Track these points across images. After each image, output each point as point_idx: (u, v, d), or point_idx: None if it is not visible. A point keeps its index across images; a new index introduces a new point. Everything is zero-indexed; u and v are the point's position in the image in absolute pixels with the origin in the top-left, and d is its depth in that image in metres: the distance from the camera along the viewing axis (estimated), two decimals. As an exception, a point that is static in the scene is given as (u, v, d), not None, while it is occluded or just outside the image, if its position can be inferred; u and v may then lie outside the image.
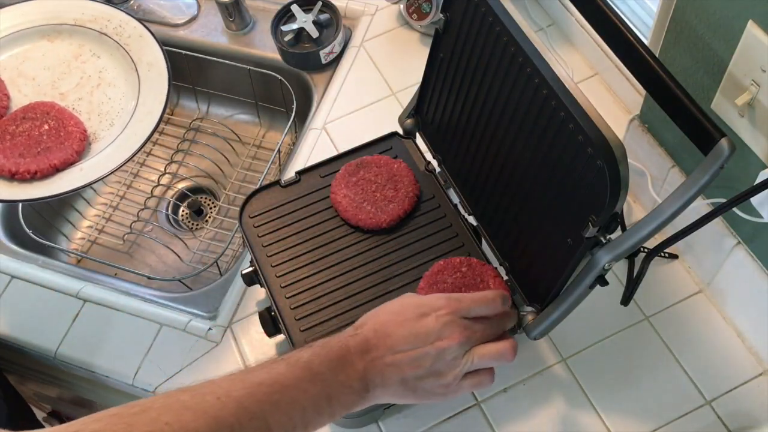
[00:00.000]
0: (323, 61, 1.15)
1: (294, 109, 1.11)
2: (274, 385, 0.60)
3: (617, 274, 0.93)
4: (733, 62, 0.71)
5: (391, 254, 0.85)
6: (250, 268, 0.87)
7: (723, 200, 0.75)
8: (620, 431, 0.84)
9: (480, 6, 0.74)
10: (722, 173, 0.59)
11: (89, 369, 0.93)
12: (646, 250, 0.88)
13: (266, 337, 0.84)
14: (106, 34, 0.94)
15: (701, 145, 0.61)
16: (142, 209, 1.19)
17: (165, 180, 1.23)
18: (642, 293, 0.91)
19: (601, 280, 0.70)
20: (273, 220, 0.87)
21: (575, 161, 0.66)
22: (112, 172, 0.85)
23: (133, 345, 0.93)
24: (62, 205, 1.18)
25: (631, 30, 0.65)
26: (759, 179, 0.72)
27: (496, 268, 0.83)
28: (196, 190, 1.24)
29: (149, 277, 1.04)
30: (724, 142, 0.58)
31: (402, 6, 1.14)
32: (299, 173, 0.91)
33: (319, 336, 0.79)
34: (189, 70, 1.20)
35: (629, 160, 0.63)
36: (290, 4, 1.16)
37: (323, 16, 1.16)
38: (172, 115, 1.29)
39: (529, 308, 0.78)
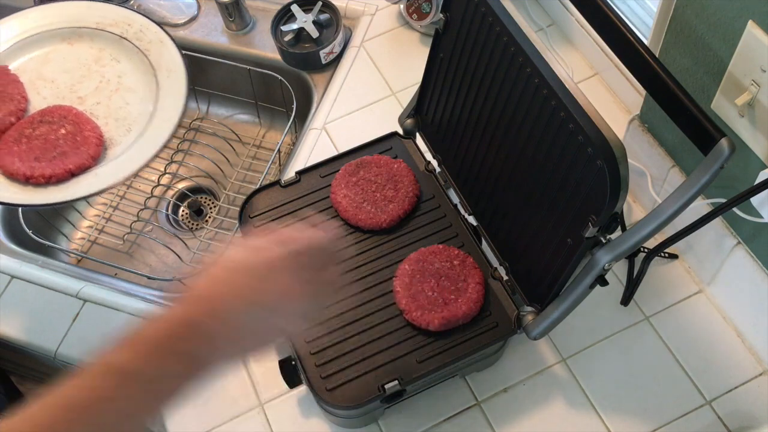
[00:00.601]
0: (323, 61, 1.15)
1: (294, 109, 1.11)
2: (91, 406, 0.54)
3: (617, 274, 0.93)
4: (733, 62, 0.71)
5: (391, 254, 0.85)
6: (250, 268, 0.87)
7: (723, 200, 0.75)
8: (620, 431, 0.84)
9: (480, 6, 0.74)
10: (722, 173, 0.59)
11: (89, 369, 0.93)
12: (646, 250, 0.88)
13: (266, 337, 0.84)
14: (126, 39, 0.93)
15: (701, 145, 0.61)
16: (142, 209, 1.18)
17: (165, 180, 1.23)
18: (642, 293, 0.91)
19: (601, 280, 0.70)
20: (273, 220, 0.87)
21: (575, 161, 0.66)
22: (126, 179, 0.84)
23: (133, 345, 0.93)
24: (62, 206, 1.18)
25: (631, 30, 0.65)
26: (759, 179, 0.72)
27: (495, 269, 0.83)
28: (196, 190, 1.24)
29: (149, 277, 1.04)
30: (724, 142, 0.58)
31: (402, 6, 1.14)
32: (299, 173, 0.91)
33: (319, 335, 0.79)
34: (189, 70, 1.20)
35: (629, 160, 0.63)
36: (290, 4, 1.16)
37: (323, 16, 1.16)
38: (172, 115, 1.29)
39: (529, 308, 0.78)
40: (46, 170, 0.85)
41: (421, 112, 0.91)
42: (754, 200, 0.75)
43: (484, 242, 0.85)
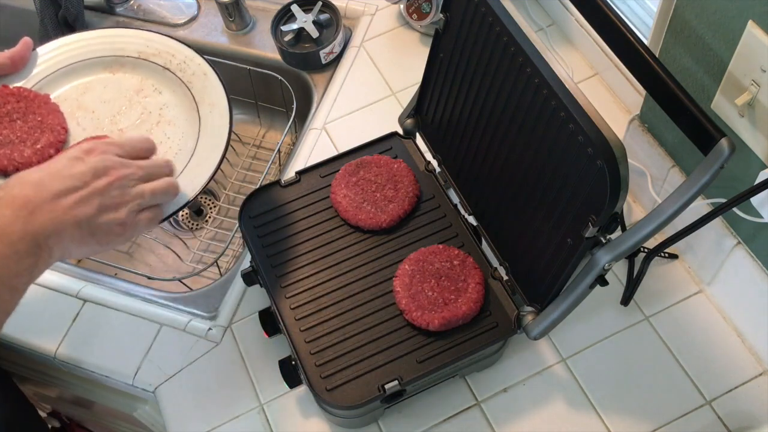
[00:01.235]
0: (323, 61, 1.15)
1: (294, 109, 1.11)
2: None
3: (617, 274, 0.93)
4: (733, 62, 0.71)
5: (391, 254, 0.85)
6: (250, 268, 0.87)
7: (723, 200, 0.75)
8: (620, 431, 0.84)
9: (480, 6, 0.74)
10: (722, 173, 0.59)
11: (89, 369, 0.93)
12: (646, 250, 0.88)
13: (266, 337, 0.84)
14: (169, 69, 0.89)
15: (701, 145, 0.61)
16: (142, 209, 1.18)
17: (165, 180, 1.22)
18: (642, 293, 0.91)
19: (601, 280, 0.70)
20: (273, 220, 0.87)
21: (575, 161, 0.66)
22: (168, 218, 0.79)
23: (133, 345, 0.93)
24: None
25: (631, 30, 0.65)
26: (759, 179, 0.72)
27: (495, 269, 0.83)
28: (196, 190, 1.24)
29: (149, 277, 1.04)
30: (724, 142, 0.58)
31: (402, 6, 1.14)
32: (299, 173, 0.91)
33: (319, 336, 0.79)
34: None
35: (629, 160, 0.63)
36: (290, 4, 1.16)
37: (323, 16, 1.16)
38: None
39: (529, 308, 0.78)
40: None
41: (421, 112, 0.92)
42: (754, 200, 0.75)
43: (484, 242, 0.85)
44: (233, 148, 1.22)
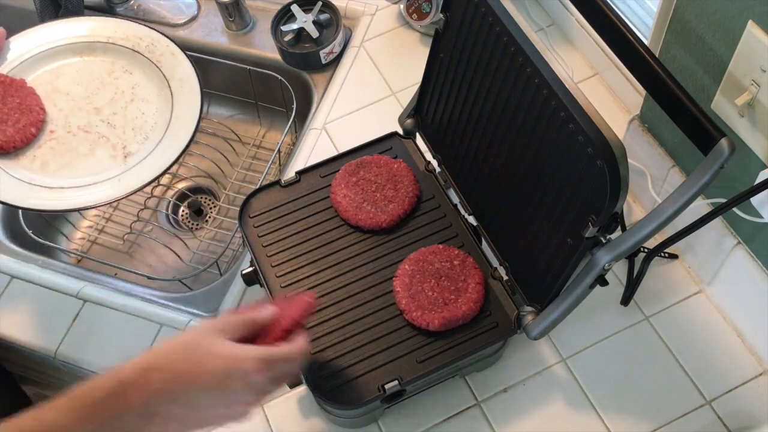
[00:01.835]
0: (323, 61, 1.15)
1: (294, 109, 1.11)
2: None
3: (617, 274, 0.93)
4: (733, 62, 0.71)
5: (391, 254, 0.85)
6: (250, 268, 0.87)
7: (723, 200, 0.75)
8: (620, 431, 0.84)
9: (480, 6, 0.74)
10: (722, 173, 0.59)
11: (89, 369, 0.93)
12: (646, 250, 0.88)
13: (266, 337, 0.84)
14: (138, 52, 0.96)
15: (701, 145, 0.61)
16: (142, 209, 1.19)
17: (165, 180, 1.23)
18: (642, 293, 0.91)
19: (601, 280, 0.70)
20: (273, 220, 0.87)
21: (575, 161, 0.66)
22: (148, 184, 0.87)
23: (133, 345, 0.93)
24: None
25: (631, 30, 0.65)
26: (759, 179, 0.72)
27: (495, 269, 0.83)
28: (196, 190, 1.24)
29: (149, 277, 1.04)
30: (724, 142, 0.58)
31: (402, 6, 1.14)
32: (299, 173, 0.91)
33: (319, 336, 0.79)
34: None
35: (629, 160, 0.63)
36: (290, 4, 1.16)
37: (323, 16, 1.16)
38: (172, 115, 1.29)
39: (529, 308, 0.78)
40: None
41: (421, 112, 0.92)
42: (754, 200, 0.75)
43: (484, 242, 0.85)
44: (233, 148, 1.22)
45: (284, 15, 1.16)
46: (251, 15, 1.22)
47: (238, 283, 0.95)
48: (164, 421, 0.59)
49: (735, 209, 0.77)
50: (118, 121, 0.92)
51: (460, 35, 0.79)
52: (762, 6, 0.65)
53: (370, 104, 1.11)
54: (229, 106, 1.29)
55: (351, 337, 0.79)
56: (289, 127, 1.10)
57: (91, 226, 1.19)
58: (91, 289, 0.98)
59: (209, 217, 1.22)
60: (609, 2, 0.72)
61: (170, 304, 0.96)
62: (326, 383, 0.77)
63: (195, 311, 0.95)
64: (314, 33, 1.13)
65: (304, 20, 1.14)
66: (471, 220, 0.87)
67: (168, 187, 1.24)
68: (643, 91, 0.94)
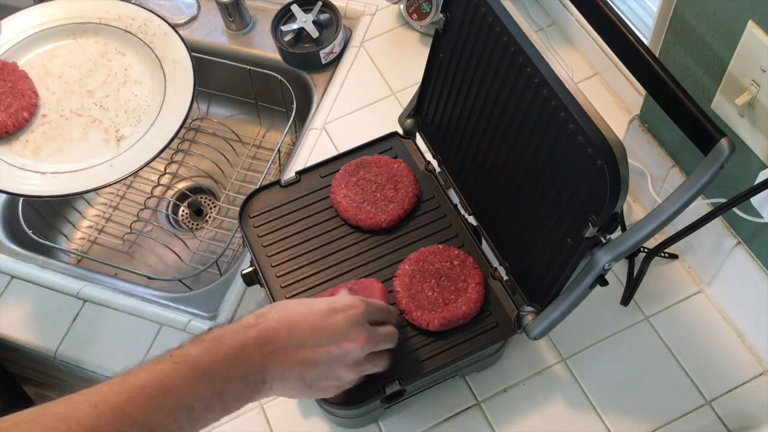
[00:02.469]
0: (323, 61, 1.15)
1: (294, 109, 1.11)
2: (158, 388, 0.56)
3: (617, 274, 0.93)
4: (733, 62, 0.71)
5: (391, 254, 0.85)
6: (250, 268, 0.87)
7: (723, 200, 0.75)
8: (620, 431, 0.84)
9: (480, 6, 0.74)
10: (722, 173, 0.59)
11: (89, 369, 0.93)
12: (646, 250, 0.88)
13: (266, 337, 0.84)
14: (130, 33, 0.95)
15: (701, 145, 0.61)
16: (142, 209, 1.19)
17: (165, 180, 1.23)
18: (642, 293, 0.91)
19: (601, 280, 0.70)
20: (273, 220, 0.87)
21: (575, 161, 0.66)
22: (141, 168, 0.86)
23: (133, 345, 0.93)
24: (62, 205, 1.18)
25: (631, 30, 0.65)
26: (759, 179, 0.72)
27: (495, 269, 0.83)
28: (196, 190, 1.24)
29: (149, 277, 1.04)
30: (724, 142, 0.58)
31: (402, 6, 1.14)
32: (299, 173, 0.91)
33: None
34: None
35: (629, 160, 0.63)
36: (290, 4, 1.16)
37: (323, 16, 1.16)
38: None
39: (529, 308, 0.78)
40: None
41: (421, 112, 0.92)
42: (754, 200, 0.75)
43: (484, 242, 0.85)
44: (233, 148, 1.22)
45: (284, 15, 1.16)
46: (251, 15, 1.22)
47: (238, 283, 0.95)
48: (294, 365, 0.63)
49: (735, 209, 0.77)
50: (110, 104, 0.91)
51: (460, 35, 0.79)
52: (762, 6, 0.65)
53: (370, 104, 1.11)
54: (229, 106, 1.29)
55: (351, 337, 0.79)
56: (289, 127, 1.10)
57: (91, 226, 1.19)
58: (91, 289, 0.98)
59: (209, 217, 1.22)
60: (609, 2, 0.72)
61: (170, 304, 0.96)
62: (326, 383, 0.77)
63: (195, 311, 0.95)
64: (314, 33, 1.13)
65: (304, 20, 1.14)
66: (471, 220, 0.87)
67: (168, 187, 1.24)
68: (643, 91, 0.94)
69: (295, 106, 1.11)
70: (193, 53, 1.13)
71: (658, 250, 0.87)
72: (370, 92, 1.12)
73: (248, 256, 0.94)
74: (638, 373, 0.87)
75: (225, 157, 1.19)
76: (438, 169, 0.91)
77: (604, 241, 0.68)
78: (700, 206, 0.84)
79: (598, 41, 1.05)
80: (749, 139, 0.73)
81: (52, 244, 1.09)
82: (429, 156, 0.92)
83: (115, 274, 1.07)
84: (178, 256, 1.12)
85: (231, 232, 1.04)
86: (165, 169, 1.21)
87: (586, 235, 0.66)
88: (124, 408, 0.54)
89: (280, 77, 1.13)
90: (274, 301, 0.82)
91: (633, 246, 0.66)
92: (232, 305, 0.95)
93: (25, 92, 0.90)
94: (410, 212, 0.87)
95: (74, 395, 0.54)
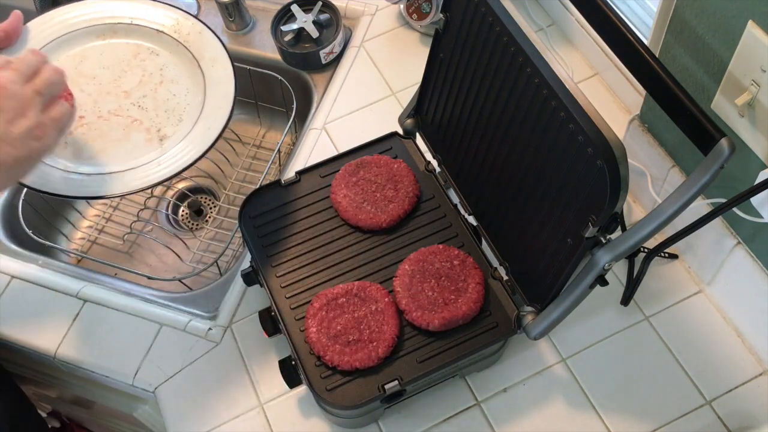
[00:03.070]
0: (323, 61, 1.15)
1: (294, 109, 1.11)
2: None
3: (617, 274, 0.93)
4: (733, 62, 0.71)
5: (391, 254, 0.85)
6: (250, 268, 0.87)
7: (723, 200, 0.75)
8: (620, 431, 0.84)
9: (480, 6, 0.74)
10: (722, 173, 0.59)
11: (89, 369, 0.93)
12: (646, 250, 0.88)
13: (266, 337, 0.84)
14: (163, 32, 0.93)
15: (701, 145, 0.61)
16: (142, 209, 1.19)
17: (165, 180, 1.22)
18: (642, 293, 0.91)
19: (601, 280, 0.70)
20: (273, 220, 0.87)
21: (575, 161, 0.66)
22: (191, 165, 0.84)
23: (133, 345, 0.93)
24: (62, 205, 1.18)
25: (631, 30, 0.65)
26: (759, 179, 0.72)
27: (495, 269, 0.83)
28: (196, 190, 1.24)
29: (149, 277, 1.04)
30: (724, 142, 0.58)
31: (402, 6, 1.14)
32: (299, 173, 0.91)
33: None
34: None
35: (629, 160, 0.63)
36: (290, 4, 1.16)
37: (323, 16, 1.16)
38: (172, 115, 1.28)
39: (529, 308, 0.78)
40: None
41: (421, 112, 0.92)
42: (754, 200, 0.75)
43: (484, 242, 0.85)
44: (233, 148, 1.22)
45: (284, 15, 1.16)
46: (251, 15, 1.22)
47: (238, 283, 0.95)
48: None
49: (735, 209, 0.77)
50: (149, 104, 0.89)
51: (460, 35, 0.79)
52: (762, 6, 0.65)
53: (370, 104, 1.11)
54: (229, 106, 1.29)
55: (351, 337, 0.79)
56: (289, 127, 1.10)
57: (91, 226, 1.19)
58: (91, 289, 0.98)
59: (209, 217, 1.22)
60: (609, 2, 0.72)
61: (170, 304, 0.96)
62: (326, 383, 0.77)
63: (195, 311, 0.95)
64: (314, 33, 1.13)
65: (304, 20, 1.14)
66: (471, 220, 0.87)
67: (168, 187, 1.24)
68: (643, 91, 0.94)
69: (295, 106, 1.11)
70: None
71: (658, 250, 0.87)
72: (370, 92, 1.12)
73: (248, 256, 0.94)
74: (638, 373, 0.87)
75: (225, 157, 1.18)
76: (438, 169, 0.91)
77: (604, 241, 0.68)
78: (700, 206, 0.84)
79: (598, 41, 1.05)
80: (749, 139, 0.73)
81: (52, 244, 1.09)
82: (429, 156, 0.92)
83: (115, 274, 1.07)
84: (178, 256, 1.12)
85: (231, 232, 1.04)
86: (165, 169, 1.21)
87: (586, 235, 0.66)
88: None
89: (280, 77, 1.13)
90: (274, 301, 0.82)
91: (633, 246, 0.66)
92: (232, 305, 0.95)
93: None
94: (410, 212, 0.87)
95: None
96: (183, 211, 1.23)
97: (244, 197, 0.89)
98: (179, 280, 1.05)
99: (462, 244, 0.85)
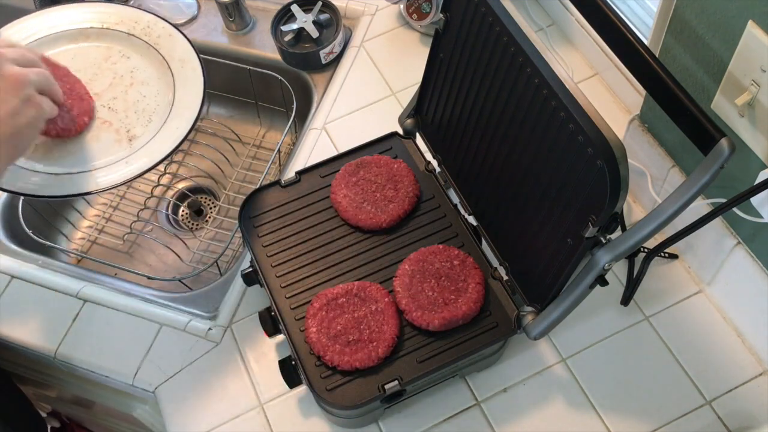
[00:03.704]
0: (323, 61, 1.15)
1: (294, 109, 1.11)
2: None
3: (617, 274, 0.93)
4: (733, 62, 0.71)
5: (391, 254, 0.85)
6: (250, 268, 0.87)
7: (723, 200, 0.75)
8: (620, 431, 0.84)
9: (480, 6, 0.74)
10: (722, 173, 0.59)
11: (89, 369, 0.93)
12: (646, 250, 0.88)
13: (266, 337, 0.84)
14: (134, 35, 0.95)
15: (701, 145, 0.61)
16: (142, 209, 1.19)
17: (165, 180, 1.23)
18: (642, 293, 0.91)
19: (601, 280, 0.70)
20: (273, 220, 0.87)
21: (575, 161, 0.66)
22: (159, 163, 0.86)
23: (133, 345, 0.93)
24: (62, 205, 1.18)
25: (631, 30, 0.65)
26: (759, 179, 0.72)
27: (495, 269, 0.83)
28: (196, 190, 1.24)
29: (149, 277, 1.04)
30: (724, 142, 0.58)
31: (402, 6, 1.14)
32: (299, 173, 0.91)
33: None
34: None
35: (629, 160, 0.63)
36: (290, 4, 1.16)
37: (323, 16, 1.16)
38: (172, 115, 1.29)
39: (529, 308, 0.78)
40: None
41: (421, 112, 0.92)
42: (754, 200, 0.75)
43: (484, 242, 0.85)
44: (233, 148, 1.22)
45: (284, 15, 1.16)
46: (251, 15, 1.22)
47: (238, 283, 0.95)
48: None
49: (735, 209, 0.77)
50: (119, 106, 0.91)
51: (460, 35, 0.79)
52: (762, 6, 0.65)
53: (370, 104, 1.11)
54: (229, 106, 1.29)
55: (351, 337, 0.79)
56: (289, 127, 1.10)
57: (91, 226, 1.19)
58: (91, 289, 0.98)
59: (209, 217, 1.22)
60: (609, 2, 0.72)
61: (170, 304, 0.96)
62: (326, 383, 0.77)
63: (195, 311, 0.95)
64: (314, 33, 1.13)
65: (304, 20, 1.14)
66: (471, 220, 0.87)
67: (168, 187, 1.24)
68: (643, 91, 0.94)
69: (295, 106, 1.11)
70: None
71: (658, 250, 0.87)
72: (370, 92, 1.12)
73: (248, 256, 0.94)
74: (638, 373, 0.87)
75: (225, 157, 1.18)
76: (438, 169, 0.91)
77: (604, 241, 0.68)
78: (700, 206, 0.84)
79: (598, 41, 1.05)
80: (749, 139, 0.73)
81: (52, 244, 1.09)
82: (429, 156, 0.92)
83: (115, 274, 1.07)
84: (178, 256, 1.12)
85: (231, 232, 1.04)
86: (165, 169, 1.21)
87: (586, 235, 0.66)
88: None
89: (280, 77, 1.13)
90: (274, 301, 0.82)
91: (633, 246, 0.66)
92: (232, 305, 0.95)
93: (84, 96, 0.89)
94: (410, 212, 0.87)
95: None
96: (183, 211, 1.23)
97: (244, 197, 0.89)
98: (179, 280, 1.05)
99: (462, 244, 0.85)
